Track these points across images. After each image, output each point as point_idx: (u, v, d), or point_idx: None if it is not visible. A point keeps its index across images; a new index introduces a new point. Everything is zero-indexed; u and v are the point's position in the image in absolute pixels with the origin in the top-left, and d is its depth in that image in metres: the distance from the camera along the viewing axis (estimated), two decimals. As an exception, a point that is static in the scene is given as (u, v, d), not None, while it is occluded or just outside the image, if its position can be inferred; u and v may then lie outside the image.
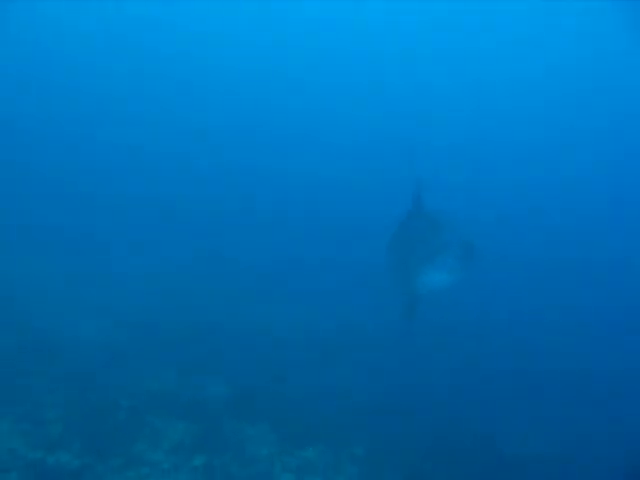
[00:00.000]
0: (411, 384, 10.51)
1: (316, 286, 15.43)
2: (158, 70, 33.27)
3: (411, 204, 8.55)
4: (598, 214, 25.55)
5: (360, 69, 35.98)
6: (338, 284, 15.63)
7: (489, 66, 35.74)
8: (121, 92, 30.27)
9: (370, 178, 25.80)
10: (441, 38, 35.31)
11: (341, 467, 6.86)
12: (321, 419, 8.20)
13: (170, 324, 11.76)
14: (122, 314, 11.97)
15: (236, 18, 36.45)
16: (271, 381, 9.44)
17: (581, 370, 11.40)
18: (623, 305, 15.47)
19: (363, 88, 34.83)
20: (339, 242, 19.07)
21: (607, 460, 8.11)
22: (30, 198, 19.44)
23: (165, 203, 21.09)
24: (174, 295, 14.04)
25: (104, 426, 6.87)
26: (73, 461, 6.02)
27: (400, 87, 34.32)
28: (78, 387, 7.84)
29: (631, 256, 20.49)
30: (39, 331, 10.02)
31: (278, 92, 34.46)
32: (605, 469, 7.93)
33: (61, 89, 28.61)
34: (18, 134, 24.40)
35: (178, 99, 31.76)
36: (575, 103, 33.85)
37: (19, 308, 11.24)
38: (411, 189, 8.76)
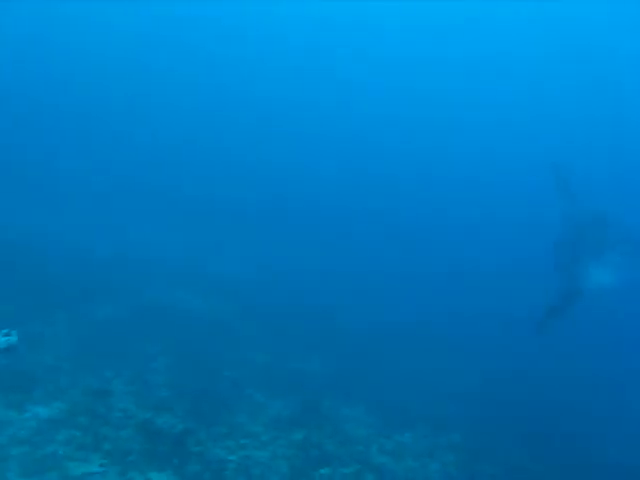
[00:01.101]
0: (516, 377, 10.16)
1: (419, 284, 15.16)
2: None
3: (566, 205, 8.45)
4: None
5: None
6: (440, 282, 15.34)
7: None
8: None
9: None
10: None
11: (437, 453, 6.79)
12: (420, 404, 8.12)
13: (275, 304, 12.05)
14: (231, 290, 12.39)
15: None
16: (370, 364, 9.44)
17: None
18: None
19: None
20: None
21: None
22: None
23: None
24: (282, 278, 14.39)
25: (207, 394, 7.10)
26: (178, 424, 6.23)
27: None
28: (185, 355, 8.12)
29: None
30: (153, 300, 10.47)
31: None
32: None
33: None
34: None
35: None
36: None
37: (137, 276, 11.86)
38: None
